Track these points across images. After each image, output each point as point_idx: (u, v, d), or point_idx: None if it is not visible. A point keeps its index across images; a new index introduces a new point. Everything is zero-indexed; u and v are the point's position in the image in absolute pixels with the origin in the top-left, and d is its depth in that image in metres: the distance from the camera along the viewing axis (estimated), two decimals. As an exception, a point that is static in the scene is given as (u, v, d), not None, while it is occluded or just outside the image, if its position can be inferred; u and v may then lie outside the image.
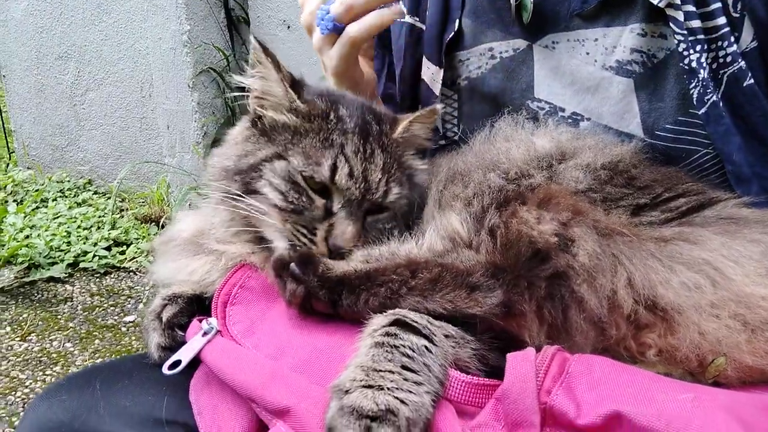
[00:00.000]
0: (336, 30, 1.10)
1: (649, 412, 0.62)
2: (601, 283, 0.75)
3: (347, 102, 1.01)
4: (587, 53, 1.09)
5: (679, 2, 0.94)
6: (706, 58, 0.95)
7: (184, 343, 0.91)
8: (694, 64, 0.95)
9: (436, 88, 1.24)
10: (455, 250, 0.82)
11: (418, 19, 1.27)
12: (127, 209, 3.46)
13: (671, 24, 0.96)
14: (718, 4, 0.93)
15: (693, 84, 0.97)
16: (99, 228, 3.14)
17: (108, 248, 2.96)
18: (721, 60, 0.95)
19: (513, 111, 1.13)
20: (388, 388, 0.67)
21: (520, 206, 0.84)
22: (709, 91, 0.95)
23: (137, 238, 3.09)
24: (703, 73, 0.95)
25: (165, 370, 0.85)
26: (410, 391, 0.68)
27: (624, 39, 1.04)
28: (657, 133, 1.03)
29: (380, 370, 0.70)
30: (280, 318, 0.90)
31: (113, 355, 2.25)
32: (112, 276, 2.82)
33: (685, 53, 0.96)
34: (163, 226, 3.21)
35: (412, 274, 0.78)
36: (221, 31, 3.07)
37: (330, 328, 0.86)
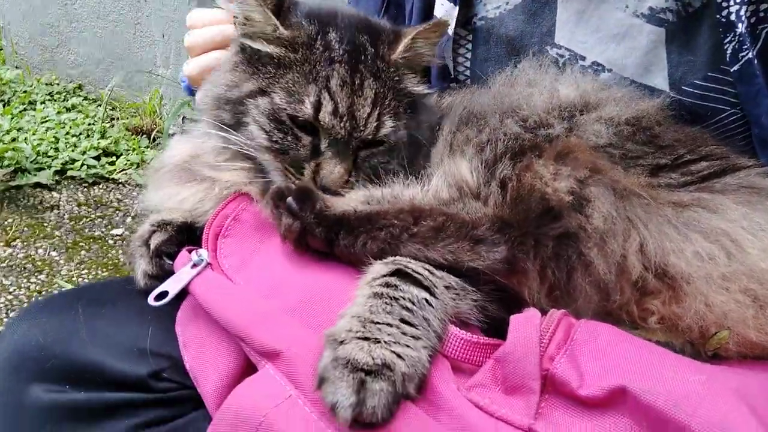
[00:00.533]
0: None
1: (657, 390, 0.59)
2: (612, 248, 0.72)
3: (339, 22, 0.92)
4: None
5: None
6: (746, 11, 0.87)
7: (171, 272, 0.88)
8: (732, 17, 0.88)
9: (450, 29, 1.15)
10: (462, 200, 0.78)
11: None
12: (117, 118, 3.35)
13: None
14: None
15: (728, 38, 0.90)
16: (88, 136, 3.04)
17: (97, 158, 2.88)
18: (761, 14, 0.88)
19: (531, 57, 1.06)
20: (384, 342, 0.65)
21: (536, 159, 0.79)
22: (745, 47, 0.89)
23: (127, 150, 3.00)
24: (741, 28, 0.88)
25: (151, 300, 0.82)
26: (407, 346, 0.65)
27: None
28: (684, 88, 0.97)
29: (377, 322, 0.67)
30: (274, 254, 0.87)
31: (99, 268, 2.22)
32: (100, 186, 2.75)
33: (724, 4, 0.89)
34: (154, 140, 3.12)
35: (415, 221, 0.74)
36: (224, -66, 2.86)
37: (325, 268, 0.82)
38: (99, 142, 2.96)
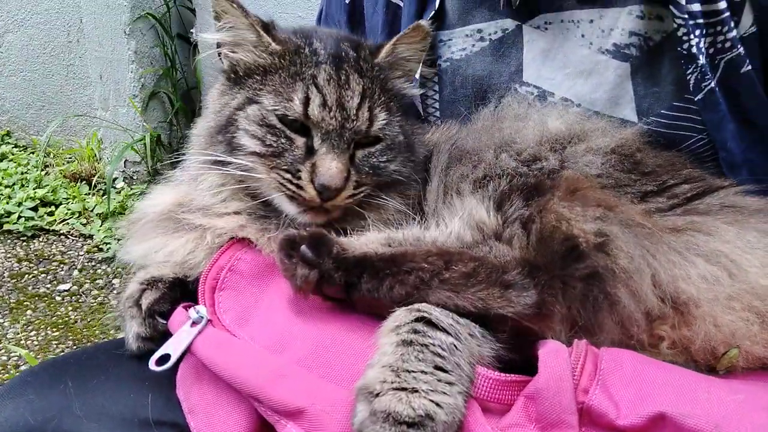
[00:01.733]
0: None
1: (696, 414, 0.60)
2: (637, 285, 0.73)
3: (321, 35, 0.95)
4: (582, 35, 1.04)
5: None
6: (704, 43, 0.92)
7: (166, 332, 0.83)
8: (693, 50, 0.92)
9: (417, 72, 1.16)
10: (486, 243, 0.77)
11: None
12: (52, 165, 3.18)
13: (672, 7, 0.92)
14: None
15: (690, 69, 0.94)
16: (23, 186, 2.87)
17: (34, 209, 2.72)
18: (719, 45, 0.92)
19: (500, 95, 1.09)
20: (422, 390, 0.63)
21: (550, 198, 0.79)
22: (707, 77, 0.93)
23: (67, 198, 2.85)
24: (702, 59, 0.92)
25: (152, 365, 0.76)
26: (444, 393, 0.64)
27: (622, 21, 0.99)
28: (652, 118, 1.01)
29: (411, 371, 0.65)
30: (276, 305, 0.83)
31: (48, 328, 2.07)
32: (40, 239, 2.59)
33: (684, 38, 0.92)
34: (94, 186, 2.98)
35: (446, 266, 0.72)
36: (161, -27, 2.81)
37: (330, 316, 0.80)
38: (35, 192, 2.80)
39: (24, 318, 2.08)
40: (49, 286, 2.28)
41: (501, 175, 0.85)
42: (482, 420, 0.67)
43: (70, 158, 3.23)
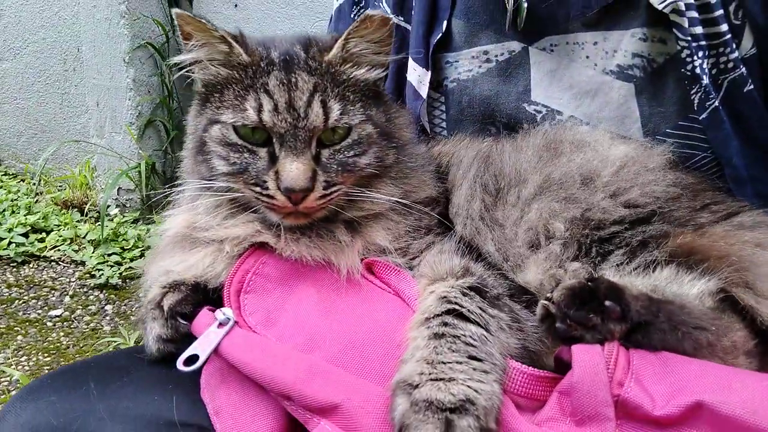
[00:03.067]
0: None
1: (733, 401, 0.61)
2: None
3: (278, 42, 0.93)
4: (587, 57, 1.08)
5: (684, 8, 0.94)
6: (707, 64, 0.96)
7: (187, 334, 0.82)
8: (697, 71, 0.95)
9: (423, 91, 1.19)
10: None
11: (402, 19, 1.23)
12: (42, 193, 3.15)
13: (675, 30, 0.96)
14: (721, 11, 0.94)
15: (694, 90, 0.98)
16: (13, 212, 2.83)
17: (25, 235, 2.68)
18: (721, 66, 0.97)
19: (507, 114, 1.11)
20: (460, 379, 0.63)
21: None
22: (711, 97, 0.97)
23: (58, 225, 2.81)
24: (705, 79, 0.96)
25: (180, 365, 0.75)
26: (481, 381, 0.65)
27: (625, 43, 1.03)
28: (657, 137, 1.03)
29: (447, 362, 0.65)
30: (303, 307, 0.83)
31: (39, 353, 2.02)
32: (30, 266, 2.55)
33: (688, 59, 0.96)
34: (86, 213, 2.96)
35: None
36: (161, 4, 2.86)
37: (360, 318, 0.80)
38: (26, 218, 2.76)
39: (15, 343, 2.03)
40: (40, 311, 2.23)
41: (616, 222, 0.85)
42: (516, 413, 0.67)
43: (61, 186, 3.21)
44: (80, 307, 2.27)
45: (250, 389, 0.76)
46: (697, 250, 0.82)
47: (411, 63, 1.22)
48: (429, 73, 1.18)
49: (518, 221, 0.90)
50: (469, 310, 0.72)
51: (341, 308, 0.82)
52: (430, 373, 0.64)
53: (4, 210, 2.85)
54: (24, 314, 2.20)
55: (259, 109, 0.83)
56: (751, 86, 0.96)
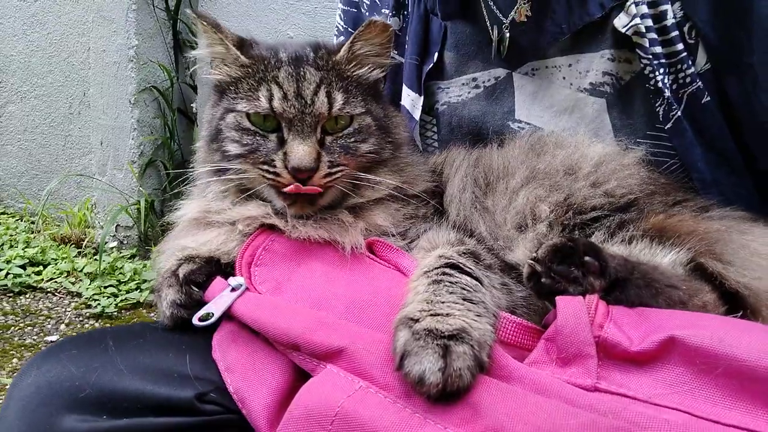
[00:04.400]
0: None
1: (702, 334, 0.67)
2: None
3: (287, 45, 1.03)
4: (563, 78, 1.19)
5: (644, 30, 1.05)
6: (669, 79, 1.07)
7: (200, 302, 0.88)
8: (660, 85, 1.05)
9: (416, 114, 1.32)
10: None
11: (397, 53, 1.35)
12: (40, 231, 3.20)
13: (638, 50, 1.07)
14: (677, 32, 1.05)
15: (659, 102, 1.08)
16: (12, 246, 2.88)
17: (23, 267, 2.71)
18: (680, 81, 1.07)
19: (494, 132, 1.21)
20: (456, 315, 0.70)
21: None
22: (673, 108, 1.06)
23: (55, 259, 2.85)
24: (667, 92, 1.06)
25: (195, 321, 0.81)
26: (474, 320, 0.71)
27: (596, 64, 1.15)
28: (629, 147, 1.12)
29: (445, 302, 0.72)
30: (309, 276, 0.90)
31: (34, 376, 2.02)
32: (27, 296, 2.57)
33: (651, 75, 1.07)
34: (84, 248, 3.00)
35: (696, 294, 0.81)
36: (167, 51, 3.02)
37: (365, 284, 0.86)
38: (25, 251, 2.80)
39: (10, 365, 2.03)
40: (35, 337, 2.25)
41: (596, 208, 0.93)
42: (507, 354, 0.73)
43: (59, 223, 3.26)
44: (75, 334, 2.28)
45: (258, 348, 0.82)
46: (668, 228, 0.91)
47: (405, 89, 1.34)
48: (422, 98, 1.30)
49: (507, 207, 0.98)
50: (465, 265, 0.79)
51: (345, 277, 0.88)
52: (429, 310, 0.71)
53: (2, 244, 2.89)
54: (20, 339, 2.21)
55: (270, 98, 0.93)
56: (708, 98, 1.05)
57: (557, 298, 0.76)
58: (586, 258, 0.77)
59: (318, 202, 0.95)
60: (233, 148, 0.95)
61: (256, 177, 0.94)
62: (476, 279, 0.78)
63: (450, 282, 0.75)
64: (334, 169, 0.93)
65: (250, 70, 0.98)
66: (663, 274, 0.81)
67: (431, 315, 0.70)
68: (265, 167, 0.92)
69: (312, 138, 0.92)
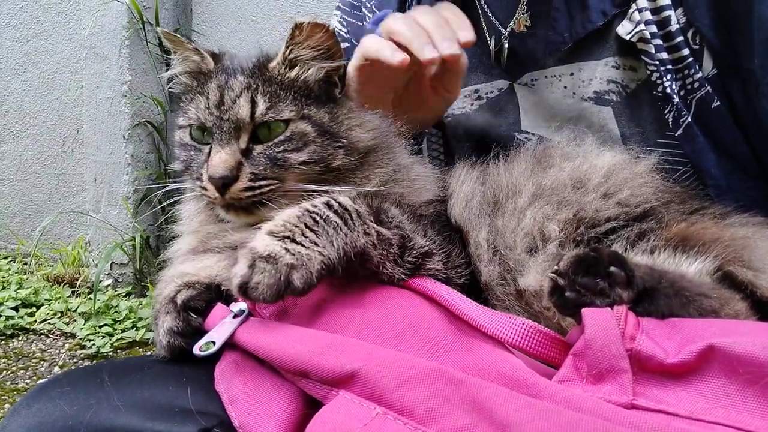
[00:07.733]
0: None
1: (743, 341, 0.63)
2: None
3: (239, 59, 0.99)
4: (565, 87, 1.17)
5: (649, 36, 1.04)
6: (676, 85, 1.05)
7: (198, 329, 0.83)
8: (668, 91, 1.04)
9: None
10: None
11: None
12: (33, 271, 3.13)
13: (643, 57, 1.06)
14: (681, 38, 1.04)
15: (667, 109, 1.06)
16: (4, 288, 2.81)
17: (15, 308, 2.64)
18: (688, 87, 1.05)
19: (500, 144, 1.18)
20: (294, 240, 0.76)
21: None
22: (683, 114, 1.05)
23: (49, 300, 2.78)
24: (676, 99, 1.04)
25: (196, 351, 0.76)
26: (301, 244, 0.75)
27: (599, 72, 1.13)
28: (639, 156, 1.11)
29: (291, 225, 0.78)
30: (314, 301, 0.85)
31: (27, 421, 1.94)
32: (19, 339, 2.49)
33: (658, 82, 1.05)
34: (78, 287, 2.93)
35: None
36: (161, 86, 3.01)
37: (373, 303, 0.81)
38: (17, 293, 2.74)
39: (1, 411, 1.95)
40: (28, 381, 2.17)
41: (610, 219, 0.89)
42: (534, 373, 0.68)
43: (52, 263, 3.20)
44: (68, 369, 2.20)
45: (265, 377, 0.76)
46: (691, 236, 0.86)
47: None
48: None
49: (516, 229, 0.93)
50: (341, 204, 0.82)
51: (353, 299, 0.83)
52: (270, 230, 0.77)
53: (-6, 286, 2.83)
54: (12, 384, 2.13)
55: (197, 108, 0.92)
56: (718, 103, 1.04)
57: (583, 310, 0.71)
58: (612, 268, 0.72)
59: (254, 211, 0.90)
60: (177, 165, 0.96)
61: (196, 191, 0.92)
62: (342, 219, 0.79)
63: (308, 212, 0.79)
64: (258, 183, 0.87)
65: (194, 84, 0.98)
66: (692, 282, 0.76)
67: (268, 233, 0.76)
68: (198, 182, 0.91)
69: (231, 146, 0.89)
